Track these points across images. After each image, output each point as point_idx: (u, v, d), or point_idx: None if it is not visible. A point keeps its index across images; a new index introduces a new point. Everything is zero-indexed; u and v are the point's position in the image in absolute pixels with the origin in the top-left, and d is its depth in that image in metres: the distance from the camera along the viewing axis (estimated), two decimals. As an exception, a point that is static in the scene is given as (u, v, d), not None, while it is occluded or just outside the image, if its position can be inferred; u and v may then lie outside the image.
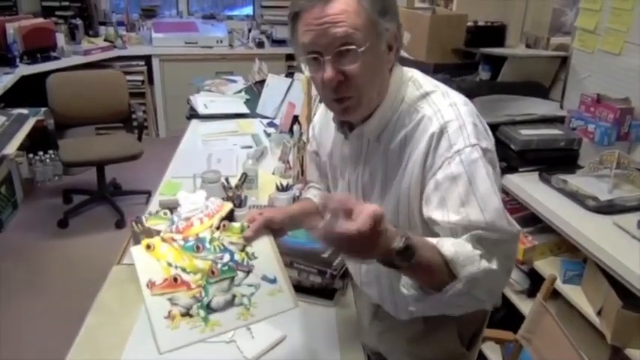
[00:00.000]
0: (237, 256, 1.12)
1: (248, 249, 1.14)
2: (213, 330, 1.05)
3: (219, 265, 1.10)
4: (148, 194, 3.52)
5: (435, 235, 0.99)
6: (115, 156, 3.57)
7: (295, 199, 1.85)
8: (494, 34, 2.83)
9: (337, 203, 0.77)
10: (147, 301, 1.03)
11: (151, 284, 1.04)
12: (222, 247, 1.12)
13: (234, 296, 1.08)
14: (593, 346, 1.74)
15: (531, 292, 2.09)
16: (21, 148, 3.38)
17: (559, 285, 1.87)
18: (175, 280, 1.05)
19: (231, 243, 1.13)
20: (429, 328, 1.26)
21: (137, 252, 1.07)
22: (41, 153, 4.11)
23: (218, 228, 1.14)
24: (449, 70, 2.67)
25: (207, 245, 1.11)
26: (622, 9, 2.15)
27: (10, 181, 3.68)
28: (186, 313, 1.04)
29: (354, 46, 0.96)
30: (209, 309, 1.06)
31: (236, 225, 1.15)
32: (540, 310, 1.57)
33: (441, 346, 1.29)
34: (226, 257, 1.11)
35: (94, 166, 3.72)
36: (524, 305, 2.06)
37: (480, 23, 2.85)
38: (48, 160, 4.13)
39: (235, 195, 1.77)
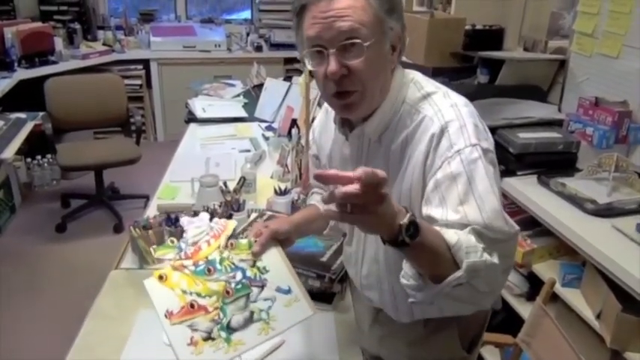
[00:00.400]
0: (249, 273, 1.12)
1: (259, 264, 1.13)
2: (237, 349, 1.04)
3: (232, 285, 1.09)
4: (146, 198, 3.51)
5: None
6: (113, 160, 3.57)
7: (294, 202, 1.84)
8: (493, 37, 2.84)
9: (335, 173, 0.76)
10: (168, 332, 1.02)
11: (169, 314, 1.03)
12: (233, 266, 1.11)
13: (252, 313, 1.08)
14: (592, 349, 1.74)
15: (530, 296, 2.08)
16: (19, 152, 3.39)
17: (558, 288, 1.87)
18: (192, 306, 1.05)
19: (241, 260, 1.13)
20: (429, 331, 1.26)
21: (151, 284, 1.06)
22: (39, 157, 4.10)
23: (226, 247, 1.14)
24: (447, 73, 2.67)
25: (218, 266, 1.11)
26: (620, 12, 2.15)
27: (8, 185, 3.68)
28: (208, 337, 1.04)
29: (359, 40, 0.96)
30: (230, 329, 1.05)
31: (243, 242, 1.15)
32: (540, 313, 1.56)
33: (441, 350, 1.29)
34: (239, 275, 1.11)
35: (92, 171, 3.71)
36: (524, 309, 2.06)
37: (478, 27, 2.85)
38: (46, 165, 4.12)
39: (233, 199, 1.76)
